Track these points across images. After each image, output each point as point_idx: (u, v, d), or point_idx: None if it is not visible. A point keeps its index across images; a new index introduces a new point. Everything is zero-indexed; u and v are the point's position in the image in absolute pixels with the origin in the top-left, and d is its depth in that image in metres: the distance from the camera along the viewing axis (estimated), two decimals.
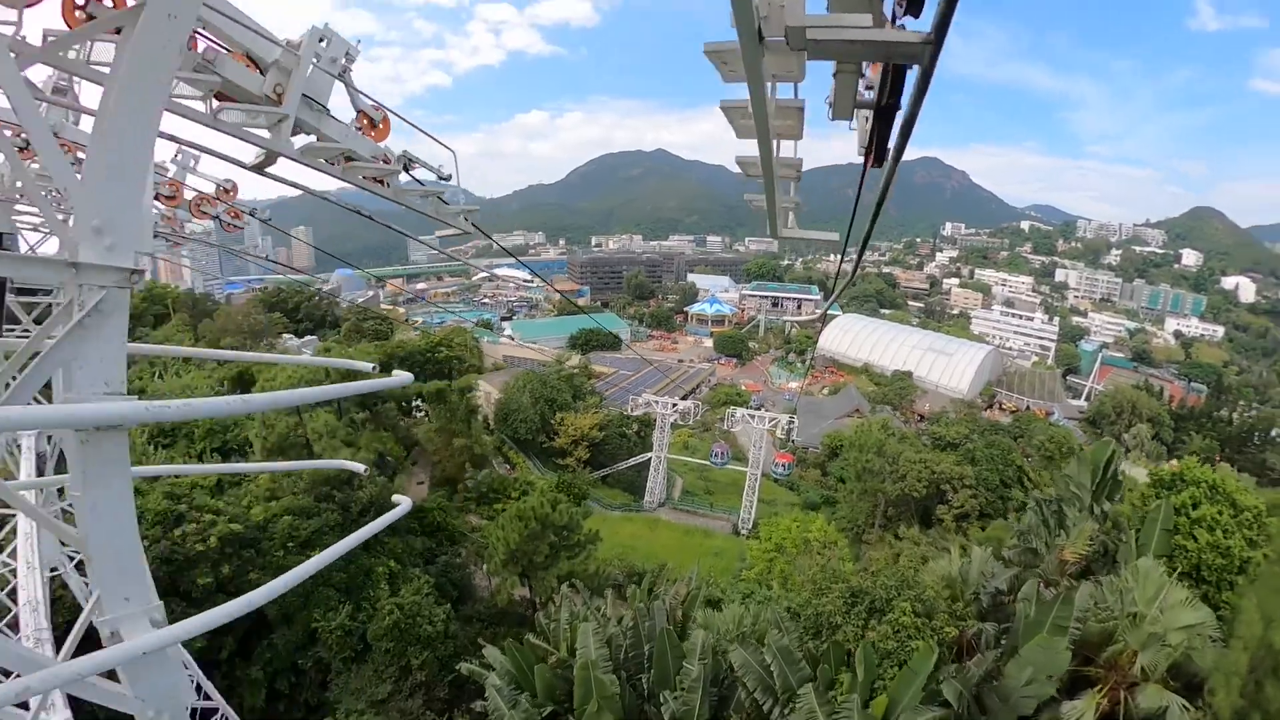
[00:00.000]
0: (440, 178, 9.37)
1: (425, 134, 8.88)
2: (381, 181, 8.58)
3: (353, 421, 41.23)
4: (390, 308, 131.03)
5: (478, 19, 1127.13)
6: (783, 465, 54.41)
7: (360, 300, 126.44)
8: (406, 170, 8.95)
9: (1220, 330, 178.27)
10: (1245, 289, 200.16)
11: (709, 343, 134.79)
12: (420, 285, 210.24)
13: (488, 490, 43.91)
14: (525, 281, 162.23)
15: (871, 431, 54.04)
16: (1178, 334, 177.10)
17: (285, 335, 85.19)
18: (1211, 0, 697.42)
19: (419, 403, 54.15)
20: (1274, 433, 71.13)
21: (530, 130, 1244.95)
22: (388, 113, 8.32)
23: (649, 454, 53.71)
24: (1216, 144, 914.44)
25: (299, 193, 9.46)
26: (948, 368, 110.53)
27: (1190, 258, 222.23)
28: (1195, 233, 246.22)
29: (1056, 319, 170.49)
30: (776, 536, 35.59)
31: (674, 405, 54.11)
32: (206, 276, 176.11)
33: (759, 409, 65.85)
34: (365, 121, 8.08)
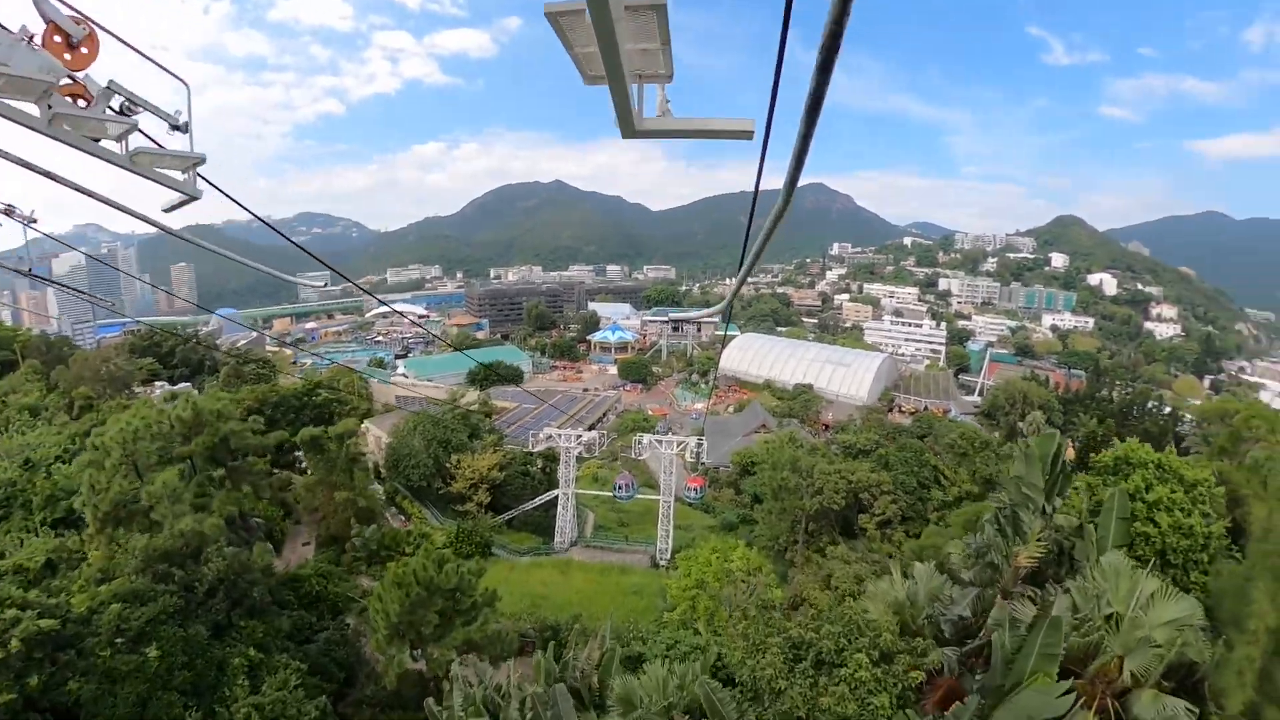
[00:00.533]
0: (172, 126, 6.14)
1: (151, 61, 5.70)
2: (39, 108, 5.32)
3: (209, 478, 35.45)
4: (276, 349, 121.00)
5: (375, 46, 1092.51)
6: (695, 489, 52.30)
7: (242, 342, 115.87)
8: (125, 113, 5.68)
9: (1091, 321, 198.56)
10: (1108, 284, 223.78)
11: (613, 370, 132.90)
12: (310, 324, 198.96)
13: (378, 547, 39.08)
14: (422, 316, 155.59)
15: (783, 448, 52.61)
16: (1054, 328, 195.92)
17: (157, 383, 77.20)
18: (1061, 39, 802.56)
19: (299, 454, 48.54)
20: (1150, 405, 76.17)
21: (427, 161, 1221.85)
22: (95, 28, 5.12)
23: (556, 491, 49.97)
24: (1074, 160, 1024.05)
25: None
26: (847, 377, 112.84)
27: (1058, 260, 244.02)
28: (1061, 238, 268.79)
29: (943, 324, 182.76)
30: (696, 571, 32.84)
31: (578, 437, 50.63)
32: (75, 319, 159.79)
33: (667, 433, 63.59)
34: (59, 37, 4.89)
